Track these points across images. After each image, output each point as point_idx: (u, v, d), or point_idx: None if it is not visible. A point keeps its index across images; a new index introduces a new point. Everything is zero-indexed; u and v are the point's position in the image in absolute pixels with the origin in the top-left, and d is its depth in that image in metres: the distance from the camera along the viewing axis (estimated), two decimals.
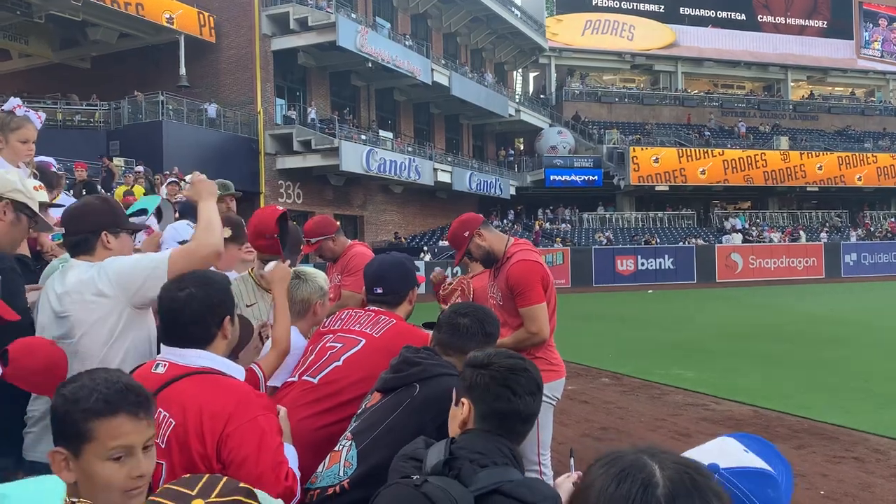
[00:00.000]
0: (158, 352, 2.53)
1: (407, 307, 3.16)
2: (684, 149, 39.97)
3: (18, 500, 1.15)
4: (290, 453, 2.24)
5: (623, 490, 1.01)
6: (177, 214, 5.49)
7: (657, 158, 39.04)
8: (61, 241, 3.28)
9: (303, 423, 2.62)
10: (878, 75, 51.02)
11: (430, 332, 2.80)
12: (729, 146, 41.32)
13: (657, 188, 39.71)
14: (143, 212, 4.14)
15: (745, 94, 49.76)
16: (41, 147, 4.48)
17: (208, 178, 2.99)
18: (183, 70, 26.78)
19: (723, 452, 1.37)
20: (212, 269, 2.76)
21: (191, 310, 2.25)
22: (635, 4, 46.18)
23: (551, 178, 39.69)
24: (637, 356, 11.70)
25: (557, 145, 40.93)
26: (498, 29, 40.32)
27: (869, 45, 50.12)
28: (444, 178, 33.78)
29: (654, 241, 35.94)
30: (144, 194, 11.32)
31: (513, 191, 39.18)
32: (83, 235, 2.70)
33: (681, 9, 46.70)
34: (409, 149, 33.28)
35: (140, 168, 18.97)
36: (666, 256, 33.83)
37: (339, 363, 2.84)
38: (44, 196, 3.06)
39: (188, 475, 1.34)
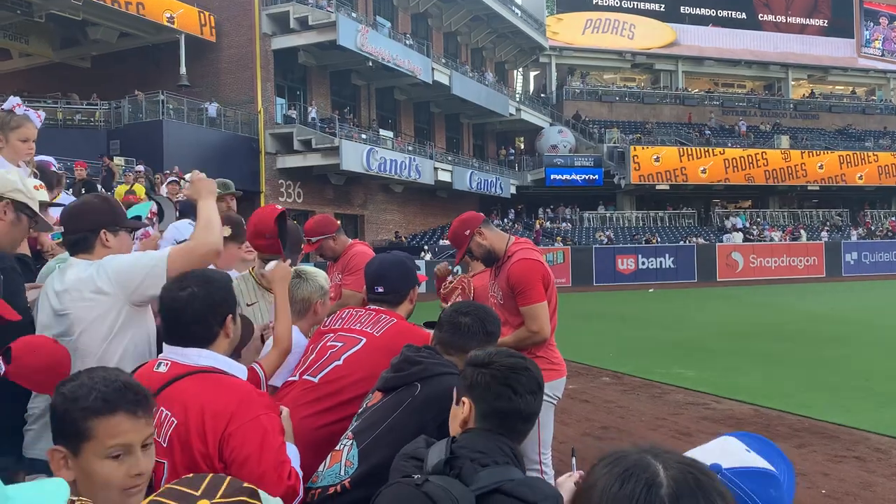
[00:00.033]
0: (158, 351, 2.53)
1: (408, 306, 3.15)
2: (685, 148, 39.97)
3: (21, 501, 1.16)
4: (293, 452, 2.24)
5: (627, 490, 1.00)
6: (177, 214, 5.49)
7: (658, 157, 39.03)
8: (61, 240, 3.29)
9: (303, 422, 2.62)
10: (879, 74, 50.98)
11: (431, 332, 2.80)
12: (730, 145, 41.31)
13: (658, 187, 39.70)
14: (136, 219, 4.13)
15: (745, 93, 49.73)
16: (41, 146, 4.48)
17: (209, 177, 3.00)
18: (183, 69, 26.77)
19: (725, 452, 1.37)
20: (210, 267, 2.76)
21: (192, 309, 2.25)
22: (636, 3, 46.16)
23: (552, 177, 39.69)
24: (638, 355, 11.69)
25: (558, 144, 40.93)
26: (498, 28, 40.31)
27: (870, 43, 50.08)
28: (444, 177, 33.78)
29: (654, 241, 35.93)
30: (145, 193, 11.31)
31: (513, 190, 39.18)
32: (82, 234, 2.70)
33: (681, 8, 46.68)
34: (410, 148, 33.27)
35: (140, 167, 18.97)
36: (667, 255, 33.82)
37: (340, 362, 2.84)
38: (44, 195, 3.06)
39: (191, 475, 1.33)
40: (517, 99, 42.41)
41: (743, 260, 34.31)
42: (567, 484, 1.83)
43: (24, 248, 3.27)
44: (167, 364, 2.25)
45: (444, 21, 37.68)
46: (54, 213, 3.48)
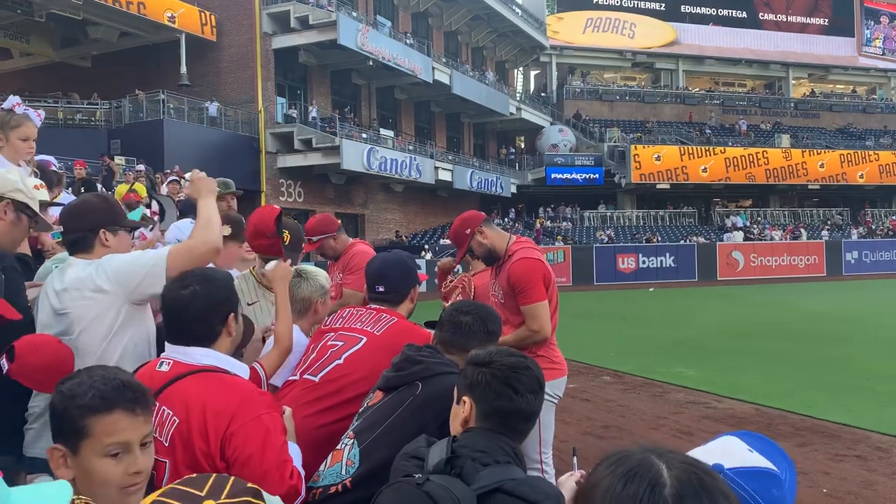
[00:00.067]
0: (158, 351, 2.53)
1: (408, 305, 3.15)
2: (686, 147, 39.95)
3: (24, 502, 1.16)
4: (295, 452, 2.23)
5: (630, 490, 1.00)
6: (177, 213, 5.49)
7: (659, 156, 39.02)
8: (61, 239, 3.29)
9: (304, 421, 2.61)
10: (880, 73, 50.95)
11: (432, 331, 2.80)
12: (730, 144, 41.29)
13: (658, 186, 39.69)
14: None
15: (746, 92, 49.70)
16: (42, 146, 4.48)
17: (209, 176, 3.00)
18: (184, 69, 26.77)
19: (727, 452, 1.36)
20: (210, 266, 2.76)
21: (194, 308, 2.25)
22: (636, 2, 46.14)
23: (552, 176, 39.69)
24: (638, 354, 11.69)
25: (558, 143, 40.92)
26: (499, 27, 40.29)
27: (870, 42, 50.04)
28: (445, 176, 33.78)
29: (655, 240, 35.92)
30: (146, 193, 11.30)
31: (514, 189, 39.17)
32: (81, 233, 2.70)
33: (682, 7, 46.67)
34: (410, 147, 33.27)
35: (141, 167, 18.96)
36: (667, 254, 33.81)
37: (341, 361, 2.84)
38: (44, 195, 3.06)
39: (194, 475, 1.33)
40: (518, 98, 42.39)
41: (743, 259, 34.30)
42: (568, 483, 1.83)
43: (25, 248, 3.27)
44: (169, 363, 2.25)
45: (444, 20, 37.67)
46: (53, 213, 3.48)
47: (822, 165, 41.15)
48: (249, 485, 1.30)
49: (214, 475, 1.31)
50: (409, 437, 2.05)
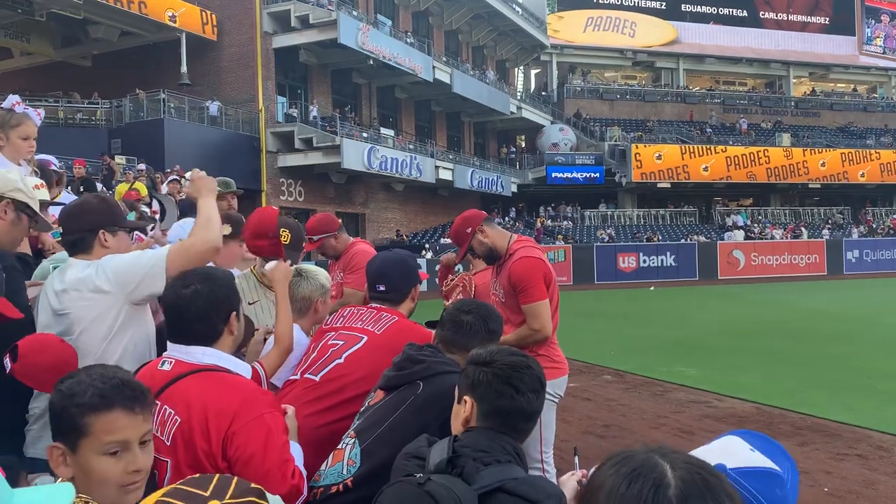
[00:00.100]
0: (159, 351, 2.53)
1: (409, 304, 3.15)
2: (687, 146, 39.93)
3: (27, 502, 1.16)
4: (296, 451, 2.23)
5: (634, 490, 1.00)
6: (177, 212, 5.48)
7: (660, 155, 39.00)
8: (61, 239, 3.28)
9: (305, 420, 2.61)
10: (881, 72, 50.89)
11: (433, 331, 2.79)
12: (731, 143, 41.27)
13: (659, 185, 39.67)
14: None
15: (746, 90, 49.67)
16: (42, 145, 4.47)
17: (210, 175, 2.99)
18: (184, 68, 26.76)
19: (729, 452, 1.36)
20: (209, 265, 2.75)
21: (196, 307, 2.24)
22: (637, 1, 46.09)
23: (553, 175, 39.67)
24: (639, 353, 11.69)
25: (559, 142, 40.91)
26: (499, 26, 40.27)
27: (871, 41, 49.99)
28: (445, 175, 33.77)
29: (655, 239, 35.90)
30: (147, 192, 11.30)
31: (514, 188, 39.16)
32: (80, 234, 2.70)
33: (682, 5, 46.62)
34: (411, 146, 33.27)
35: (142, 166, 18.98)
36: (668, 253, 33.81)
37: (341, 360, 2.84)
38: (45, 195, 3.06)
39: (197, 475, 1.33)
40: (518, 97, 42.37)
41: (744, 258, 34.28)
42: (570, 482, 1.83)
43: (25, 247, 3.27)
44: (171, 362, 2.25)
45: (444, 19, 37.65)
46: (52, 212, 3.48)
47: (823, 164, 41.12)
48: (253, 485, 1.30)
49: (217, 476, 1.31)
50: (411, 437, 2.05)
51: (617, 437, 6.83)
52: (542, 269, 3.96)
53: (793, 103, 48.00)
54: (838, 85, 51.85)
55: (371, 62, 29.10)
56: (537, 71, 50.77)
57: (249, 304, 3.56)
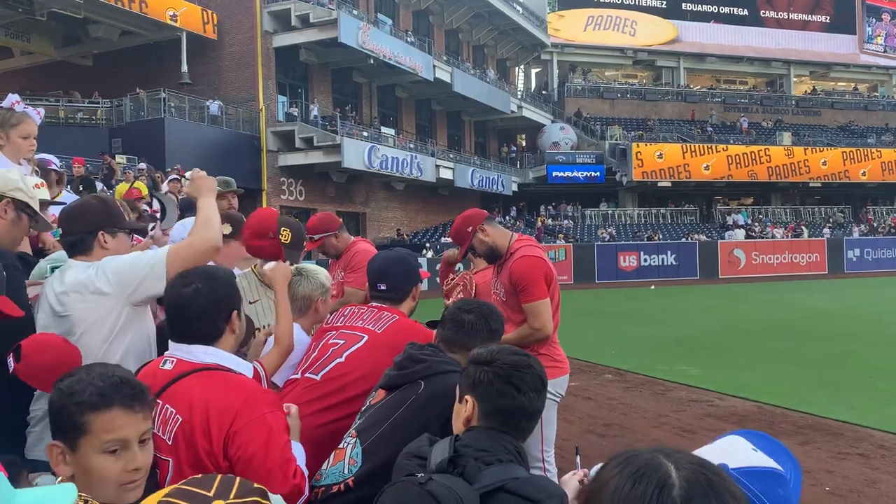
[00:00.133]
0: (159, 352, 2.52)
1: (410, 303, 3.15)
2: (688, 144, 39.91)
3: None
4: (298, 451, 2.23)
5: (638, 490, 1.00)
6: (178, 211, 5.47)
7: (661, 154, 38.99)
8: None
9: (306, 420, 2.61)
10: (882, 70, 50.85)
11: (434, 331, 2.79)
12: (732, 142, 41.24)
13: (660, 184, 39.65)
14: None
15: (747, 89, 49.64)
16: (43, 145, 4.47)
17: (210, 175, 2.99)
18: (185, 67, 26.75)
19: (731, 451, 1.35)
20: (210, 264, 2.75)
21: (197, 305, 2.24)
22: (637, 0, 46.08)
23: (553, 174, 39.65)
24: (640, 352, 11.68)
25: (560, 141, 40.89)
26: (500, 25, 40.24)
27: (872, 39, 49.94)
28: (446, 174, 33.76)
29: (656, 238, 35.90)
30: (148, 191, 11.30)
31: (515, 187, 39.13)
32: (80, 235, 2.69)
33: (683, 4, 46.59)
34: (411, 145, 33.26)
35: (143, 165, 18.98)
36: (668, 252, 33.80)
37: (342, 359, 2.84)
38: (45, 194, 3.05)
39: (199, 476, 1.33)
40: (519, 96, 42.34)
41: (745, 257, 34.28)
42: (571, 482, 1.82)
43: (26, 246, 3.27)
44: (173, 361, 2.25)
45: (445, 18, 37.63)
46: (52, 212, 3.47)
47: (824, 163, 41.09)
48: (256, 485, 1.29)
49: (220, 476, 1.30)
50: (412, 436, 2.05)
51: (618, 436, 6.82)
52: (543, 268, 3.95)
53: (794, 102, 47.97)
54: (839, 84, 51.81)
55: (371, 61, 29.08)
56: (538, 70, 50.75)
57: (250, 303, 3.56)
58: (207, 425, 2.08)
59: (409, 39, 31.94)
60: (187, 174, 3.08)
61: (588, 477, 1.78)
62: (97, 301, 2.54)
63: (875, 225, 40.46)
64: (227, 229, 3.53)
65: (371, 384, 2.63)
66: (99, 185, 12.77)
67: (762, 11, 47.91)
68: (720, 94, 47.24)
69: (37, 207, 2.85)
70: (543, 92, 46.75)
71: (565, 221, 38.31)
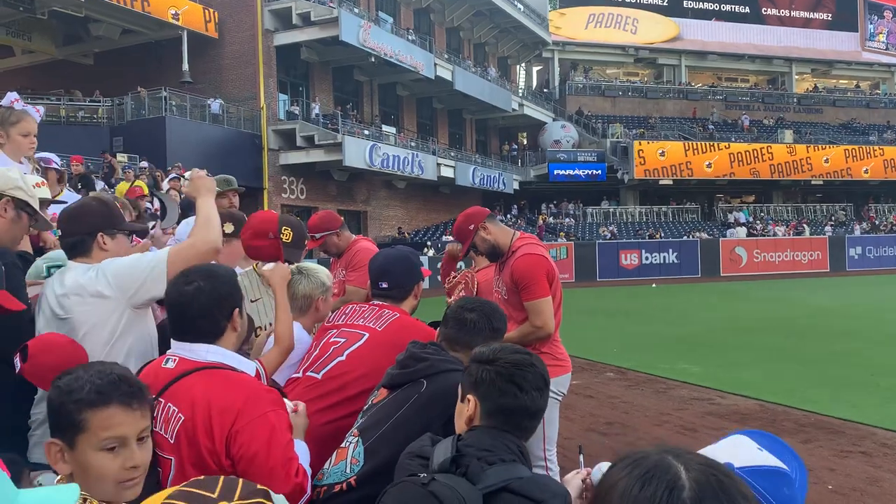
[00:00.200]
0: (161, 351, 2.51)
1: (412, 302, 3.14)
2: (690, 142, 39.88)
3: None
4: (302, 450, 2.22)
5: (648, 492, 0.99)
6: (179, 210, 5.47)
7: (663, 152, 38.96)
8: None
9: (308, 418, 2.60)
10: (884, 68, 50.79)
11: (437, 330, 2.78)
12: (734, 140, 41.20)
13: (661, 182, 39.63)
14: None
15: (749, 87, 49.60)
16: (44, 143, 4.47)
17: (212, 173, 2.98)
18: (186, 66, 26.75)
19: (737, 451, 1.35)
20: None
21: (198, 304, 2.23)
22: None
23: (555, 172, 39.63)
24: (641, 350, 11.67)
25: (561, 139, 40.87)
26: (501, 23, 40.21)
27: (874, 37, 49.87)
28: (447, 173, 33.74)
29: (658, 236, 35.89)
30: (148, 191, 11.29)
31: (516, 185, 39.11)
32: (79, 237, 2.68)
33: (684, 2, 46.55)
34: (413, 144, 33.25)
35: (144, 164, 19.00)
36: (670, 250, 33.79)
37: (343, 358, 2.83)
38: (45, 193, 3.05)
39: (202, 477, 1.32)
40: (520, 94, 42.30)
41: (746, 255, 34.26)
42: (574, 481, 1.81)
43: (26, 245, 3.26)
44: (175, 360, 2.24)
45: (446, 16, 37.61)
46: (51, 211, 3.46)
47: (826, 161, 41.04)
48: (259, 486, 1.29)
49: (223, 477, 1.30)
50: (414, 435, 2.04)
51: (620, 434, 6.82)
52: (545, 267, 3.94)
53: (795, 100, 47.93)
54: (841, 81, 51.76)
55: (372, 59, 29.07)
56: (539, 68, 50.71)
57: (252, 301, 3.55)
58: (210, 424, 2.08)
59: (410, 37, 31.92)
60: (186, 174, 3.07)
61: (590, 476, 1.77)
62: (97, 304, 2.53)
63: (877, 223, 40.43)
64: (229, 228, 3.53)
65: (372, 382, 2.62)
66: (100, 184, 12.78)
67: (764, 9, 47.85)
68: (722, 92, 47.19)
69: (36, 206, 2.84)
70: (545, 90, 46.73)
71: (567, 219, 38.30)
